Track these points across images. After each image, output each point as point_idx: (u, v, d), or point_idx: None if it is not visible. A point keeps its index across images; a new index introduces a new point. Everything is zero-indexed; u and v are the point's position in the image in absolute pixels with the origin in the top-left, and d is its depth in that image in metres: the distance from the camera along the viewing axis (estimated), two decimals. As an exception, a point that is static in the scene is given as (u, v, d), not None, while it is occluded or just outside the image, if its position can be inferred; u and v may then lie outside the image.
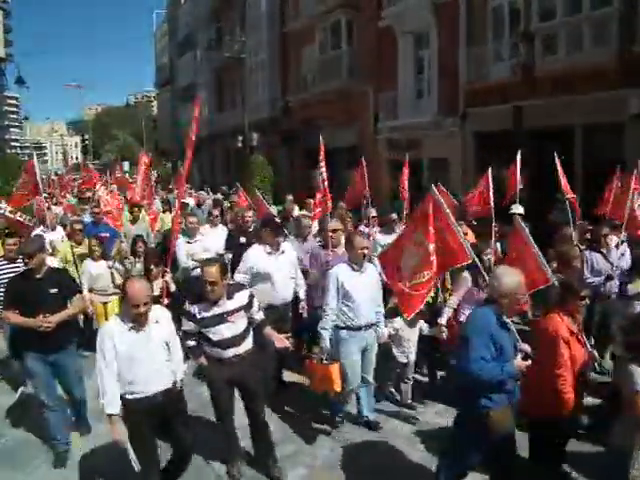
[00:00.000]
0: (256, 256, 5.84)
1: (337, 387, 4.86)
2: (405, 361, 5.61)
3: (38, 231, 8.45)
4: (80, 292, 5.55)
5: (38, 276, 4.79)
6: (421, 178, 16.54)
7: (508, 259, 5.52)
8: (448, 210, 4.87)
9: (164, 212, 12.45)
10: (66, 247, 7.70)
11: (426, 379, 6.25)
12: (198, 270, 7.13)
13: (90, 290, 7.10)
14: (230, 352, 4.35)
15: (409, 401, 5.76)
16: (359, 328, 5.03)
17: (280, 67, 24.51)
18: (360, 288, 4.99)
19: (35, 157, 9.02)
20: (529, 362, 3.71)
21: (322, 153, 7.61)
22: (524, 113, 12.16)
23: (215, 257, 5.52)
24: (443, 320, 5.55)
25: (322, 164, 7.52)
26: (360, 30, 18.68)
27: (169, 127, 44.89)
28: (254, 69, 25.76)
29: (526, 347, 4.01)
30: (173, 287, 6.08)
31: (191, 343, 4.40)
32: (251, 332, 4.53)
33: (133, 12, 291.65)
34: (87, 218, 10.69)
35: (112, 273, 7.05)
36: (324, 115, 20.48)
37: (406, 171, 10.79)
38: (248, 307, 4.44)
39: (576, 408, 4.02)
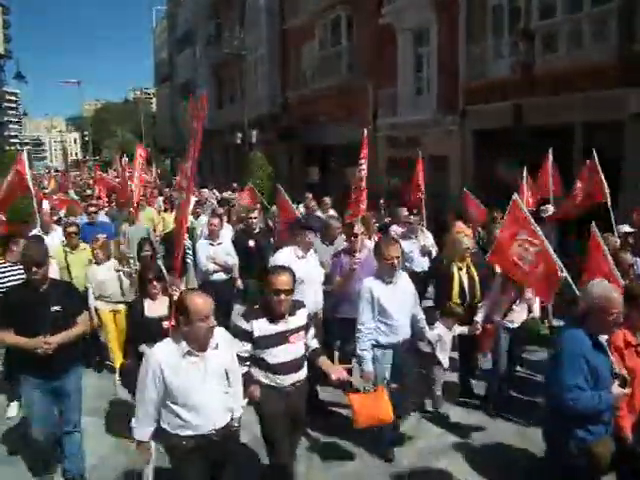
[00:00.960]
0: (287, 261, 5.20)
1: (387, 416, 4.22)
2: (446, 366, 5.47)
3: (35, 232, 7.97)
4: (87, 310, 5.10)
5: (40, 289, 4.17)
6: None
7: (588, 270, 5.25)
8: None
9: (165, 211, 11.86)
10: (59, 252, 6.87)
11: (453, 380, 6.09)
12: (217, 275, 7.16)
13: (97, 298, 6.53)
14: (289, 379, 3.80)
15: (442, 408, 5.61)
16: (394, 346, 4.64)
17: (279, 63, 24.46)
18: (395, 301, 4.59)
19: (25, 152, 8.59)
20: (628, 390, 3.34)
21: (364, 150, 6.98)
22: (524, 111, 12.13)
23: (284, 265, 4.46)
24: (479, 317, 5.36)
25: (363, 161, 6.94)
26: (360, 27, 18.63)
27: (168, 123, 44.83)
28: (253, 65, 25.71)
29: (624, 371, 3.48)
30: None
31: (244, 369, 3.69)
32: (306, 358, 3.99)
33: (132, 8, 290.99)
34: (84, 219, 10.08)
35: (120, 277, 6.45)
36: (323, 112, 20.47)
37: (421, 169, 10.06)
38: (307, 329, 3.95)
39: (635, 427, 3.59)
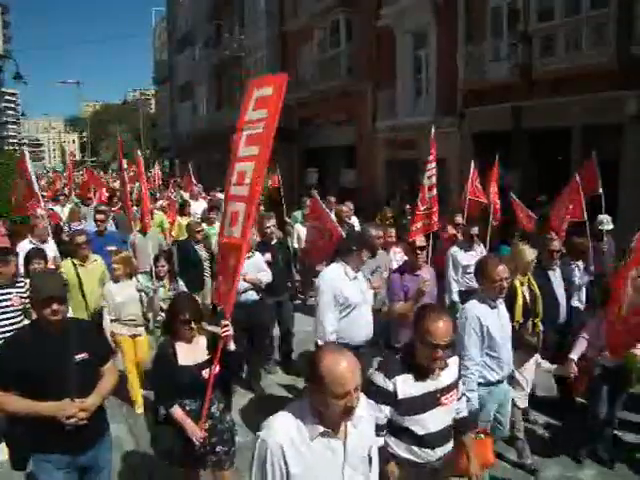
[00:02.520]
0: (339, 282, 4.44)
1: (492, 460, 3.71)
2: (524, 406, 4.66)
3: (25, 243, 7.08)
4: (114, 352, 4.33)
5: (59, 333, 3.09)
6: (418, 178, 16.58)
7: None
8: None
9: (181, 215, 10.63)
10: (68, 268, 5.98)
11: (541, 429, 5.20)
12: (247, 295, 6.00)
13: (114, 321, 5.69)
14: (439, 452, 2.99)
15: (528, 460, 4.58)
16: (500, 381, 3.97)
17: (278, 65, 24.48)
18: (500, 329, 3.90)
19: (27, 153, 7.87)
20: None
21: (433, 153, 6.33)
22: (522, 113, 12.19)
23: (438, 306, 3.55)
24: (575, 354, 4.55)
25: (432, 165, 6.23)
26: (359, 29, 18.66)
27: (167, 125, 44.81)
28: (253, 67, 25.73)
29: None
30: (233, 345, 3.52)
31: (379, 441, 2.84)
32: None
33: (132, 9, 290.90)
34: (90, 226, 8.91)
35: (142, 297, 5.68)
36: (322, 114, 20.49)
37: (495, 172, 9.01)
38: (458, 384, 3.15)
39: None
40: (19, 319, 4.84)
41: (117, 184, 24.07)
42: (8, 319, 4.75)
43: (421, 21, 15.69)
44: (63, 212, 12.13)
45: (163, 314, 5.33)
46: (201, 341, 3.61)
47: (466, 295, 5.65)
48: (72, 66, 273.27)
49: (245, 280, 5.83)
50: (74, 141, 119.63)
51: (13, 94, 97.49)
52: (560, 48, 11.70)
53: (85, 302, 5.90)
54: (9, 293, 4.82)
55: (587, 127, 11.19)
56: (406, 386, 2.88)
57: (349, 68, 19.04)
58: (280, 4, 24.00)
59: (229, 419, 3.62)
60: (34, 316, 4.28)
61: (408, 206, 11.58)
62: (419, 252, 4.92)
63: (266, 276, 6.23)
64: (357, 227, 9.31)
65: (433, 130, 6.66)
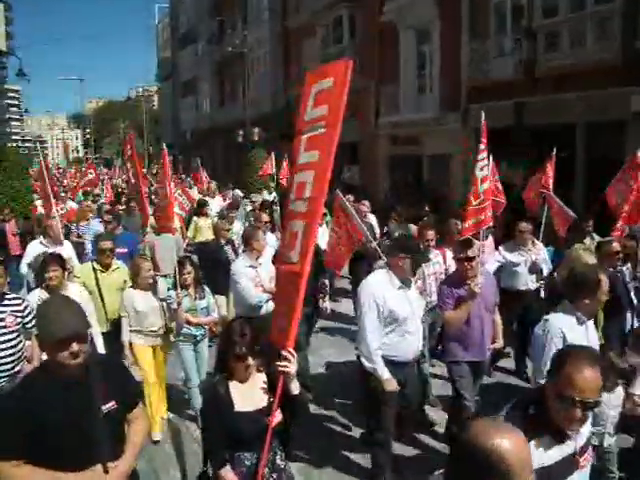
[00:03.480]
0: (382, 292, 4.01)
1: None
2: (608, 444, 3.77)
3: (35, 244, 6.74)
4: (141, 396, 3.89)
5: (79, 378, 2.38)
6: (422, 174, 16.57)
7: None
8: None
9: (199, 216, 9.79)
10: (87, 274, 5.49)
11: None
12: (267, 306, 5.25)
13: (133, 330, 5.16)
14: None
15: None
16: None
17: (281, 62, 24.46)
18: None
19: (42, 158, 7.61)
20: None
21: (484, 142, 5.79)
22: (526, 110, 12.14)
23: (587, 349, 2.47)
24: (638, 390, 3.58)
25: (483, 156, 5.70)
26: (362, 25, 18.62)
27: (170, 121, 44.84)
28: (255, 63, 25.72)
29: None
30: (296, 388, 2.82)
31: None
32: None
33: (135, 5, 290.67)
34: (95, 226, 8.82)
35: (164, 307, 5.18)
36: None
37: (551, 168, 8.16)
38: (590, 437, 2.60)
39: None
40: (17, 343, 4.05)
41: (119, 181, 23.90)
42: (6, 347, 3.96)
43: (424, 17, 15.65)
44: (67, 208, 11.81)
45: (190, 327, 5.16)
46: (258, 379, 2.92)
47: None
48: (75, 62, 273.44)
49: (265, 290, 5.30)
50: (77, 138, 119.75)
51: (16, 91, 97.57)
52: (564, 44, 11.65)
53: (105, 312, 5.36)
54: (2, 312, 3.99)
55: (591, 124, 11.15)
56: (539, 454, 2.17)
57: (352, 64, 19.00)
58: (283, 0, 23.97)
59: (290, 471, 3.03)
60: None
61: (427, 207, 11.05)
62: (469, 264, 4.33)
63: None
64: (375, 226, 9.04)
65: (483, 116, 6.00)
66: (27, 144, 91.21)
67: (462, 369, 4.43)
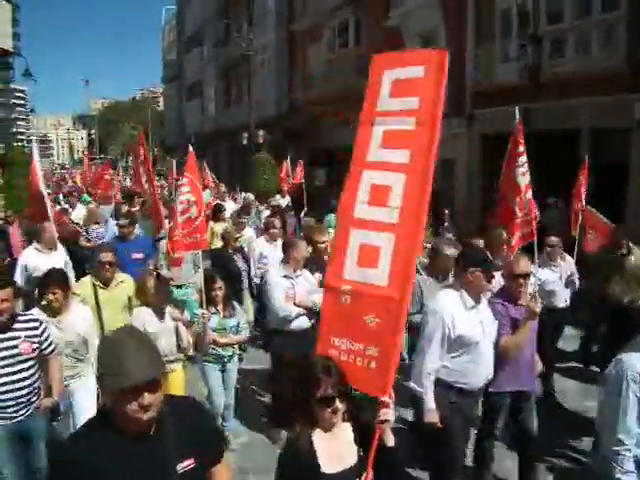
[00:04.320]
0: (452, 313, 3.59)
1: None
2: None
3: (30, 249, 6.17)
4: (227, 447, 3.77)
5: (150, 432, 1.93)
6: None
7: None
8: None
9: (215, 221, 9.11)
10: (85, 290, 4.76)
11: None
12: (299, 322, 4.89)
13: None
14: None
15: None
16: None
17: (287, 65, 24.52)
18: None
19: (36, 152, 6.70)
20: None
21: (521, 142, 5.18)
22: (531, 115, 12.13)
23: None
24: None
25: (523, 160, 5.05)
26: (368, 29, 18.66)
27: (176, 123, 44.96)
28: (261, 66, 25.78)
29: None
30: (391, 438, 2.37)
31: None
32: None
33: (142, 7, 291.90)
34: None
35: (178, 328, 4.55)
36: (330, 114, 20.49)
37: (584, 177, 7.74)
38: None
39: None
40: (33, 373, 3.60)
41: (126, 182, 23.77)
42: (20, 379, 3.48)
43: (430, 22, 15.67)
44: (74, 212, 11.53)
45: (217, 348, 4.72)
46: (345, 429, 2.36)
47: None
48: (81, 63, 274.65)
49: (297, 305, 4.91)
50: (82, 138, 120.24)
51: (22, 91, 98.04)
52: (569, 50, 11.66)
53: (102, 333, 4.50)
54: (14, 337, 3.51)
55: (595, 130, 11.15)
56: None
57: (358, 68, 19.05)
58: (289, 3, 24.04)
59: None
60: (54, 363, 3.85)
61: (447, 210, 10.56)
62: (523, 281, 3.90)
63: (320, 297, 5.14)
64: None
65: (517, 112, 5.42)
66: (32, 144, 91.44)
67: (504, 401, 3.97)
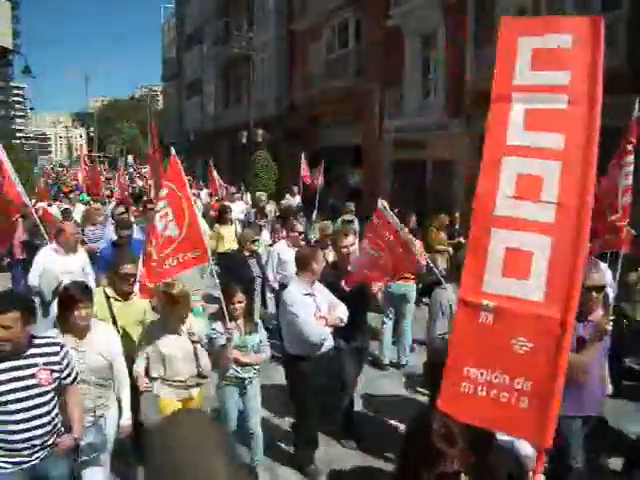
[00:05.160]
0: None
1: None
2: None
3: (47, 251, 5.71)
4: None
5: None
6: (425, 179, 16.55)
7: None
8: None
9: (221, 223, 8.78)
10: (99, 303, 4.07)
11: None
12: (330, 341, 4.41)
13: (155, 379, 4.07)
14: None
15: None
16: None
17: (287, 64, 24.48)
18: None
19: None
20: None
21: (633, 141, 4.72)
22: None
23: None
24: None
25: (629, 159, 4.55)
26: (368, 29, 18.62)
27: (175, 121, 44.90)
28: (260, 65, 25.74)
29: None
30: None
31: None
32: None
33: (141, 5, 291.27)
34: (98, 230, 8.19)
35: (195, 349, 4.05)
36: (330, 114, 20.46)
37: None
38: None
39: None
40: (52, 409, 3.03)
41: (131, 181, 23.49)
42: (36, 415, 2.92)
43: (430, 22, 15.65)
44: (75, 211, 11.49)
45: (237, 368, 4.22)
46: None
47: None
48: (80, 61, 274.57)
49: (328, 325, 4.35)
50: (81, 136, 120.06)
51: (21, 88, 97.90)
52: (570, 51, 11.64)
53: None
54: (30, 365, 2.94)
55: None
56: None
57: (357, 68, 19.02)
58: (289, 2, 24.00)
59: None
60: (75, 393, 3.26)
61: (458, 214, 10.09)
62: (596, 295, 3.52)
63: (344, 312, 4.51)
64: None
65: (637, 108, 4.84)
66: (31, 141, 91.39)
67: (576, 425, 3.55)
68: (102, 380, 3.60)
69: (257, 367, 4.36)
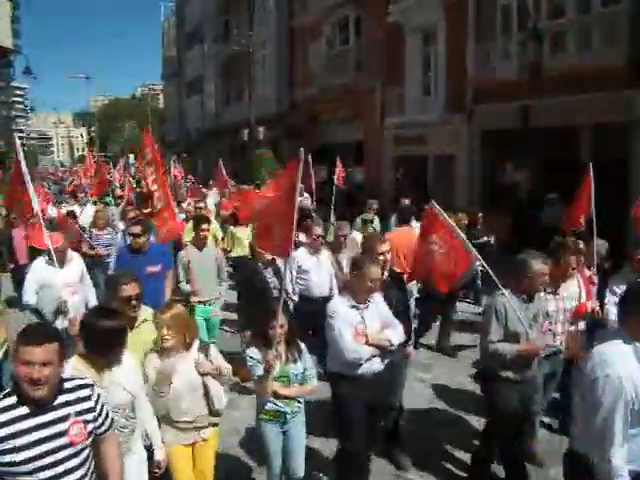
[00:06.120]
0: (635, 377, 2.56)
1: None
2: None
3: (40, 262, 5.10)
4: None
5: None
6: (427, 175, 16.57)
7: None
8: None
9: (236, 224, 8.27)
10: None
11: None
12: (373, 364, 3.84)
13: (162, 419, 3.36)
14: None
15: None
16: None
17: (287, 62, 24.47)
18: None
19: (21, 155, 5.41)
20: None
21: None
22: (531, 111, 12.13)
23: None
24: None
25: None
26: (368, 26, 18.62)
27: (176, 120, 44.92)
28: (261, 63, 25.74)
29: None
30: None
31: None
32: None
33: (141, 3, 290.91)
34: (108, 235, 7.71)
35: (206, 384, 3.38)
36: (330, 111, 20.47)
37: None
38: None
39: None
40: (88, 465, 2.45)
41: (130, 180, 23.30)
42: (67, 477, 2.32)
43: (430, 18, 15.65)
44: (83, 213, 10.69)
45: (276, 402, 3.60)
46: None
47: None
48: (81, 61, 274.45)
49: (370, 344, 3.81)
50: (82, 135, 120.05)
51: (22, 88, 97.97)
52: (570, 46, 11.64)
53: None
54: (61, 419, 2.33)
55: (596, 126, 11.13)
56: None
57: (358, 65, 19.02)
58: (289, 0, 23.98)
59: None
60: (111, 443, 2.61)
61: (480, 214, 9.25)
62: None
63: (398, 334, 3.97)
64: None
65: None
66: (32, 142, 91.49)
67: None
68: (125, 420, 3.04)
69: (301, 400, 3.76)
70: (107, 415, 2.59)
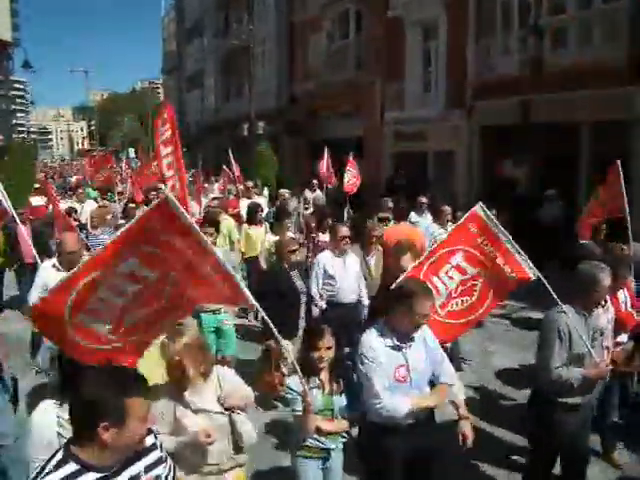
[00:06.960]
0: None
1: None
2: None
3: (48, 267, 4.75)
4: None
5: None
6: (427, 170, 16.55)
7: None
8: None
9: (250, 223, 7.83)
10: None
11: None
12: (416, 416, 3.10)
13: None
14: None
15: None
16: None
17: (287, 56, 24.40)
18: None
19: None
20: None
21: None
22: (531, 108, 12.10)
23: None
24: None
25: None
26: (368, 20, 18.56)
27: (175, 114, 44.84)
28: (261, 58, 25.67)
29: None
30: None
31: None
32: None
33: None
34: (104, 235, 7.34)
35: (233, 420, 2.88)
36: (330, 106, 20.43)
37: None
38: None
39: None
40: None
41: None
42: None
43: (431, 13, 15.59)
44: (84, 210, 10.48)
45: (319, 437, 3.15)
46: None
47: None
48: (81, 55, 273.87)
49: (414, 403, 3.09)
50: (82, 129, 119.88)
51: (22, 82, 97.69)
52: (571, 42, 11.60)
53: None
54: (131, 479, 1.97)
55: (596, 123, 11.11)
56: None
57: (358, 60, 18.96)
58: (289, -6, 23.90)
59: None
60: None
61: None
62: None
63: (451, 375, 3.34)
64: None
65: None
66: (32, 136, 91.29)
67: None
68: None
69: (345, 435, 3.30)
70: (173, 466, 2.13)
